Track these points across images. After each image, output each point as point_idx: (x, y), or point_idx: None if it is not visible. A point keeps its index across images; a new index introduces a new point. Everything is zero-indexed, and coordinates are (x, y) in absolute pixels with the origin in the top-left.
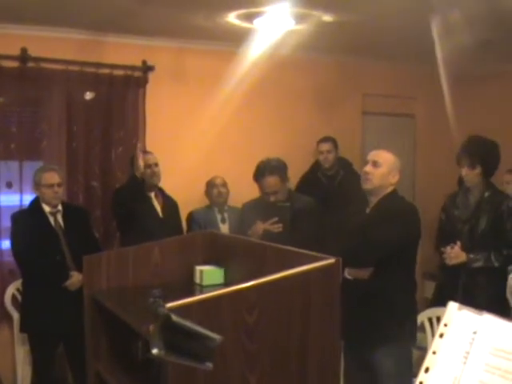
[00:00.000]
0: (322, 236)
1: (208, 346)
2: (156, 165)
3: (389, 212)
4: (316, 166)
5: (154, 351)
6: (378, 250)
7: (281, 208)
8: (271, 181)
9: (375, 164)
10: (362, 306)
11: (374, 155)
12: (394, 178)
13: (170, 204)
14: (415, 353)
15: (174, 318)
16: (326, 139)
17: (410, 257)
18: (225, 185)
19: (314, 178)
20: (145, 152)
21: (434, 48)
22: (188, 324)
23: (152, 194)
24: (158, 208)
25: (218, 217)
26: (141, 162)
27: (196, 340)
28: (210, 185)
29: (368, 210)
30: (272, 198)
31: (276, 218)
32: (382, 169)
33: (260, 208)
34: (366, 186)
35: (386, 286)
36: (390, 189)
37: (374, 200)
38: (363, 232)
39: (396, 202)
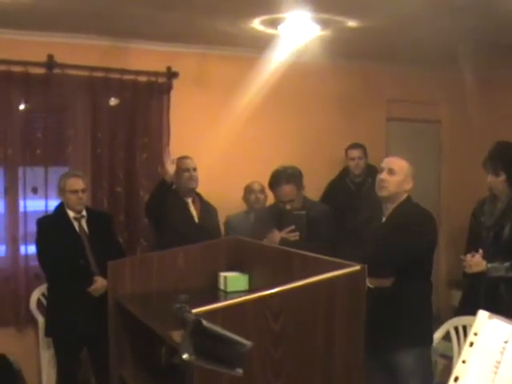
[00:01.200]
0: (340, 243)
1: (238, 351)
2: (194, 169)
3: (406, 221)
4: (344, 173)
5: (185, 356)
6: (398, 261)
7: (296, 216)
8: (287, 189)
9: (391, 172)
10: (383, 311)
11: (389, 163)
12: (409, 185)
13: (207, 210)
14: (440, 361)
15: (205, 323)
16: (355, 145)
17: (428, 263)
18: (262, 190)
19: (342, 184)
20: (183, 157)
21: (459, 52)
22: (218, 329)
23: (189, 200)
24: (195, 213)
25: None
26: (169, 167)
27: (226, 345)
28: (248, 190)
29: (384, 219)
30: (288, 207)
31: (293, 226)
32: (397, 176)
33: (274, 216)
34: (382, 193)
35: (406, 293)
36: (404, 196)
37: (389, 207)
38: (381, 241)
39: (412, 209)
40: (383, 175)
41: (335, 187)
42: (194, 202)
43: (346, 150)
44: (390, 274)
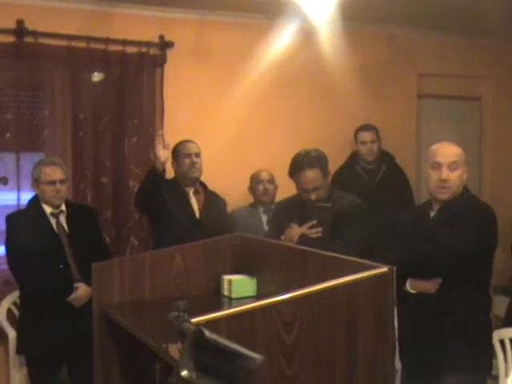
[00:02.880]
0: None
1: (246, 367)
2: (197, 155)
3: (463, 213)
4: (354, 159)
5: (184, 373)
6: (453, 258)
7: (319, 208)
8: (311, 175)
9: (453, 166)
10: (427, 325)
11: (447, 155)
12: (466, 175)
13: (213, 203)
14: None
15: (208, 333)
16: (368, 127)
17: (486, 267)
18: (272, 180)
19: (352, 173)
20: (185, 140)
21: (509, 19)
22: (224, 341)
23: (191, 191)
24: (196, 207)
25: (264, 218)
26: (160, 153)
27: (232, 361)
28: (255, 180)
29: (433, 213)
30: (313, 196)
31: (314, 221)
32: (459, 170)
33: (295, 208)
34: (445, 196)
35: (457, 302)
36: (460, 188)
37: (440, 201)
38: (431, 237)
39: (470, 201)
40: (446, 174)
41: (344, 176)
42: (196, 192)
43: (356, 133)
44: (441, 276)
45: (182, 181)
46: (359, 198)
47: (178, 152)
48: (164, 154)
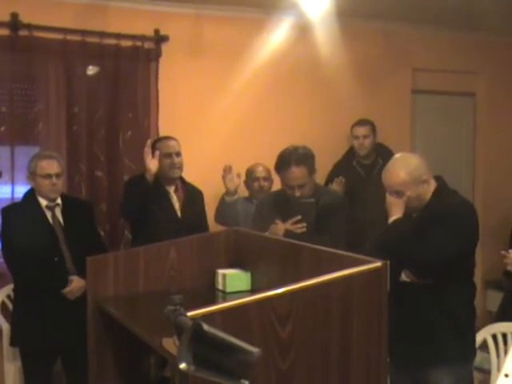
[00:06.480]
0: (358, 237)
1: (244, 360)
2: (178, 154)
3: (442, 213)
4: (350, 154)
5: (182, 366)
6: (440, 262)
7: (303, 204)
8: (297, 172)
9: (399, 194)
10: (417, 315)
11: (390, 185)
12: (427, 182)
13: (192, 199)
14: (476, 376)
15: (206, 327)
16: (362, 122)
17: (470, 261)
18: (268, 177)
19: (348, 167)
20: (165, 138)
21: (503, 14)
22: (222, 335)
23: (171, 189)
24: (177, 205)
25: None
26: (150, 164)
27: (230, 354)
28: (251, 176)
29: (415, 214)
30: (297, 193)
31: (299, 217)
32: (407, 192)
33: (278, 204)
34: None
35: (447, 294)
36: (431, 188)
37: None
38: (416, 239)
39: (448, 199)
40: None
41: (340, 172)
42: (176, 190)
43: (352, 128)
44: (432, 278)
45: (162, 179)
46: (341, 193)
47: (158, 150)
48: (155, 165)
